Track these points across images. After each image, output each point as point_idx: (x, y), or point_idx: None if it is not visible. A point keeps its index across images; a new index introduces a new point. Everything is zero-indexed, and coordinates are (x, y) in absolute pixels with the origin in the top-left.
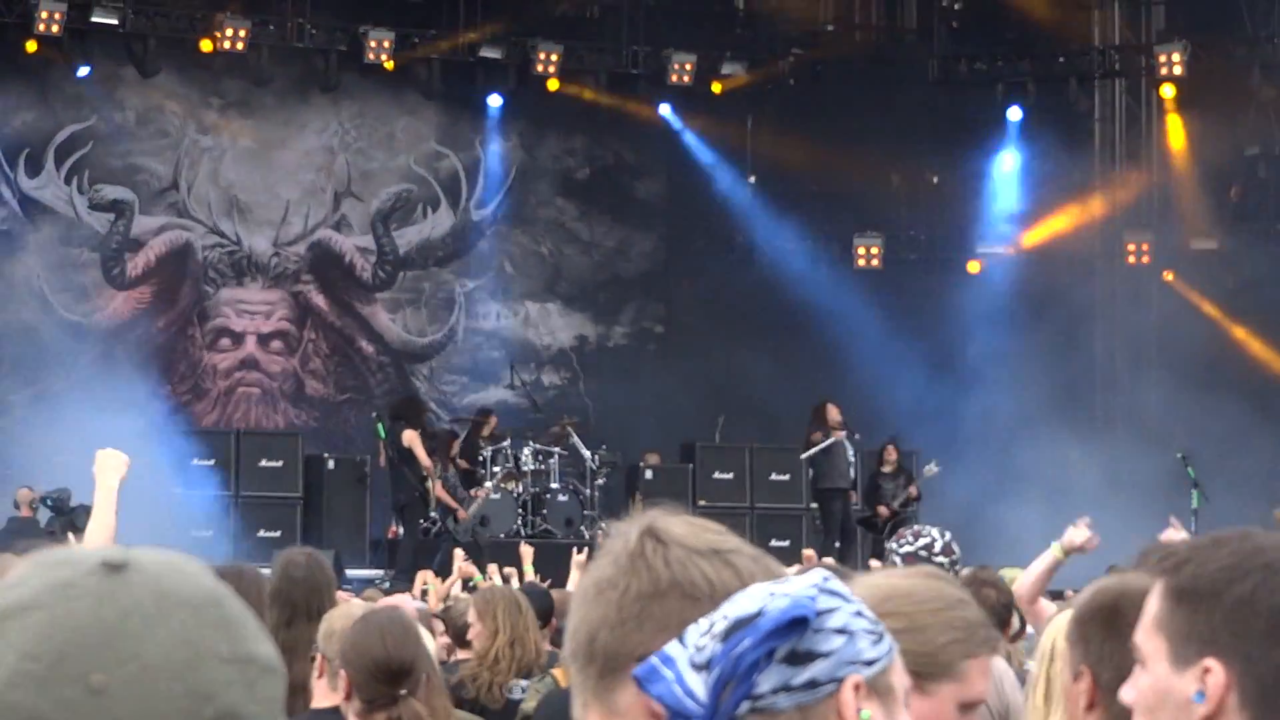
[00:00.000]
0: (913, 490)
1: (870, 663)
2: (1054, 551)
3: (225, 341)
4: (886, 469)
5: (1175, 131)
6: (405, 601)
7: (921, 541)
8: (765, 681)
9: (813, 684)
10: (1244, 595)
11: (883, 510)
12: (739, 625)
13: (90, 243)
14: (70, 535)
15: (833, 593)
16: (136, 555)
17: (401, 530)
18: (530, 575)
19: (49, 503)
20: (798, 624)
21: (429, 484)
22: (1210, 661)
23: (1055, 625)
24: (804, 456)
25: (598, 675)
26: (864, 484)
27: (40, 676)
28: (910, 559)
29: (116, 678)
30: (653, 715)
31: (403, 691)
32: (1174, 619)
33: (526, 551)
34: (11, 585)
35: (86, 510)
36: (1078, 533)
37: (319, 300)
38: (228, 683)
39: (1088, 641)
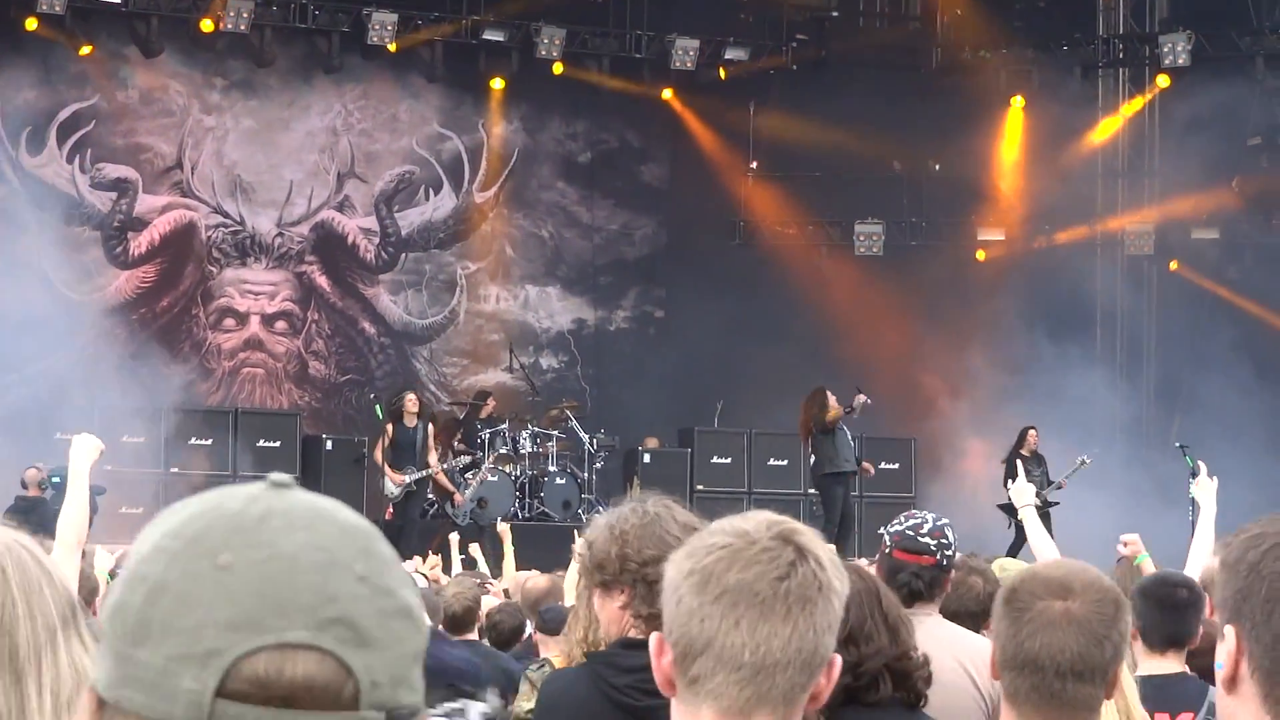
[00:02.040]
0: (1063, 482)
1: None
2: (1022, 515)
3: (229, 322)
4: (1026, 453)
5: (1176, 120)
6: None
7: (910, 522)
8: None
9: None
10: (1254, 561)
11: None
12: None
13: (92, 221)
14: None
15: None
16: (302, 488)
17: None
18: (510, 555)
19: (55, 480)
20: None
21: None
22: (1229, 628)
23: None
24: (830, 418)
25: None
26: (1006, 470)
27: (174, 551)
28: (897, 537)
29: (243, 559)
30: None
31: None
32: (1218, 589)
33: (504, 530)
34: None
35: None
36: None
37: (322, 281)
38: (355, 596)
39: None
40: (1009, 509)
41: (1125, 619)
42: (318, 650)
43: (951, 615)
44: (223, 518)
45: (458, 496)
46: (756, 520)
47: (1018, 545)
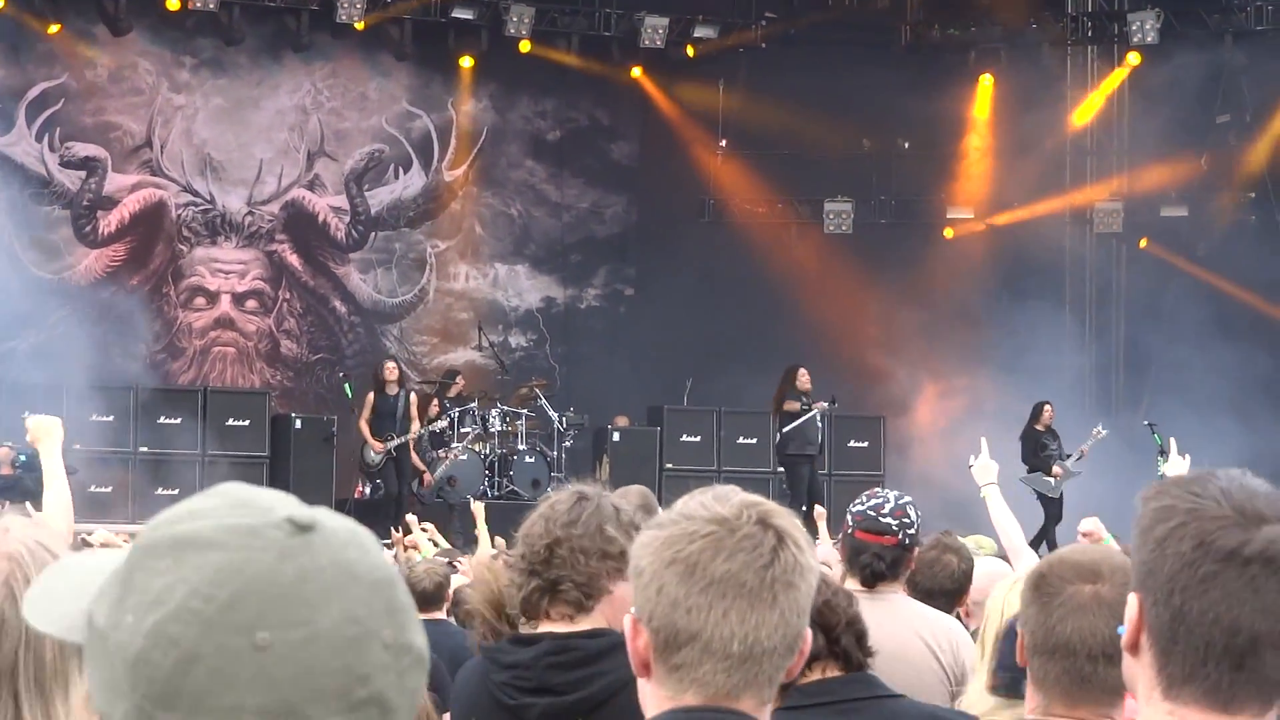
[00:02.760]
0: (1084, 450)
1: None
2: (984, 494)
3: (200, 300)
4: (1041, 428)
5: (1145, 98)
6: None
7: (872, 502)
8: None
9: None
10: (1160, 537)
11: (1057, 471)
12: None
13: (61, 200)
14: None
15: None
16: (323, 519)
17: (367, 491)
18: (484, 534)
19: (23, 459)
20: None
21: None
22: (1132, 596)
23: (1000, 589)
24: (785, 430)
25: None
26: (1024, 445)
27: (207, 618)
28: (859, 518)
29: (282, 639)
30: None
31: None
32: (1133, 553)
33: (478, 509)
34: (188, 514)
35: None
36: (981, 468)
37: (293, 260)
38: (384, 668)
39: None
40: (1034, 481)
41: None
42: None
43: (926, 593)
44: (257, 582)
45: (427, 477)
46: (732, 503)
47: (1043, 533)
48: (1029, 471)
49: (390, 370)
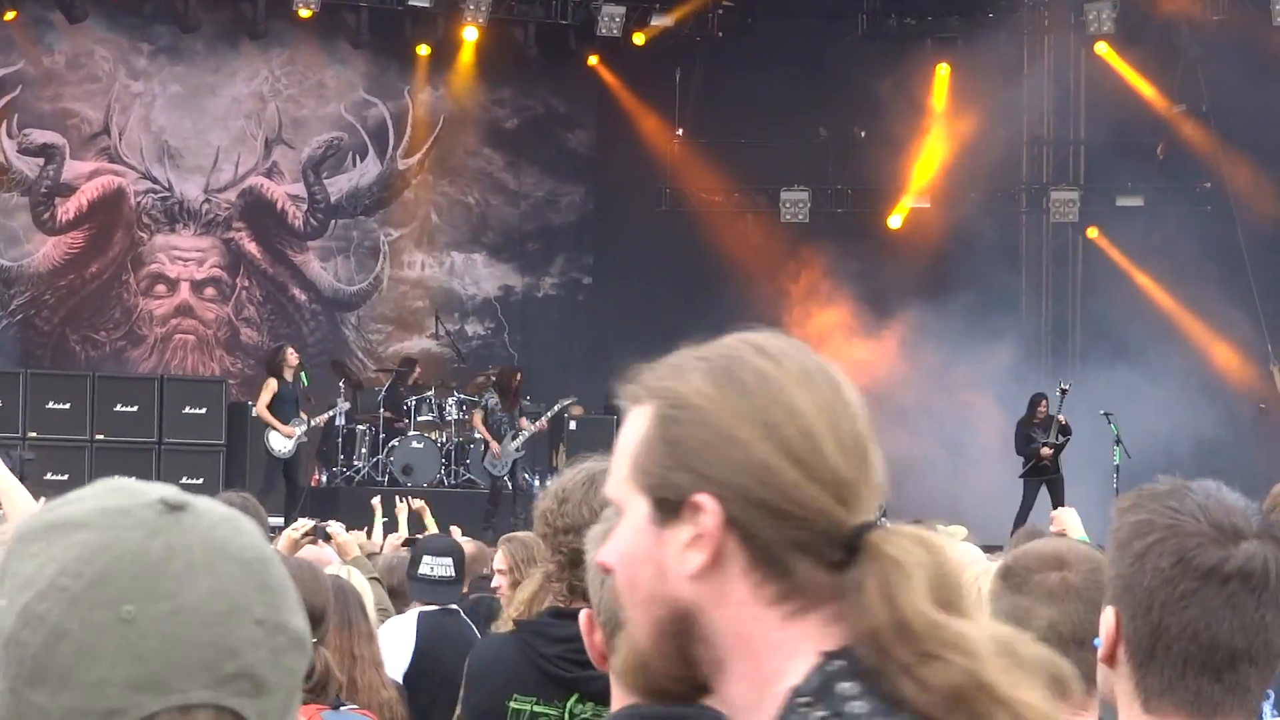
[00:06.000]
0: (1061, 418)
1: None
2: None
3: (160, 288)
4: (1036, 420)
5: (1102, 88)
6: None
7: None
8: None
9: None
10: (1139, 551)
11: (1046, 453)
12: None
13: (20, 187)
14: None
15: None
16: (196, 501)
17: (324, 480)
18: (432, 527)
19: None
20: None
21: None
22: (1109, 609)
23: (969, 575)
24: None
25: None
26: (1017, 437)
27: (74, 594)
28: None
29: (147, 612)
30: None
31: (313, 640)
32: (1108, 563)
33: (421, 507)
34: (69, 501)
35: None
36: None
37: (251, 248)
38: (254, 644)
39: None
40: (1039, 470)
41: None
42: (217, 708)
43: None
44: (124, 558)
45: (494, 446)
46: None
47: (1024, 513)
48: (1024, 464)
49: (292, 356)
